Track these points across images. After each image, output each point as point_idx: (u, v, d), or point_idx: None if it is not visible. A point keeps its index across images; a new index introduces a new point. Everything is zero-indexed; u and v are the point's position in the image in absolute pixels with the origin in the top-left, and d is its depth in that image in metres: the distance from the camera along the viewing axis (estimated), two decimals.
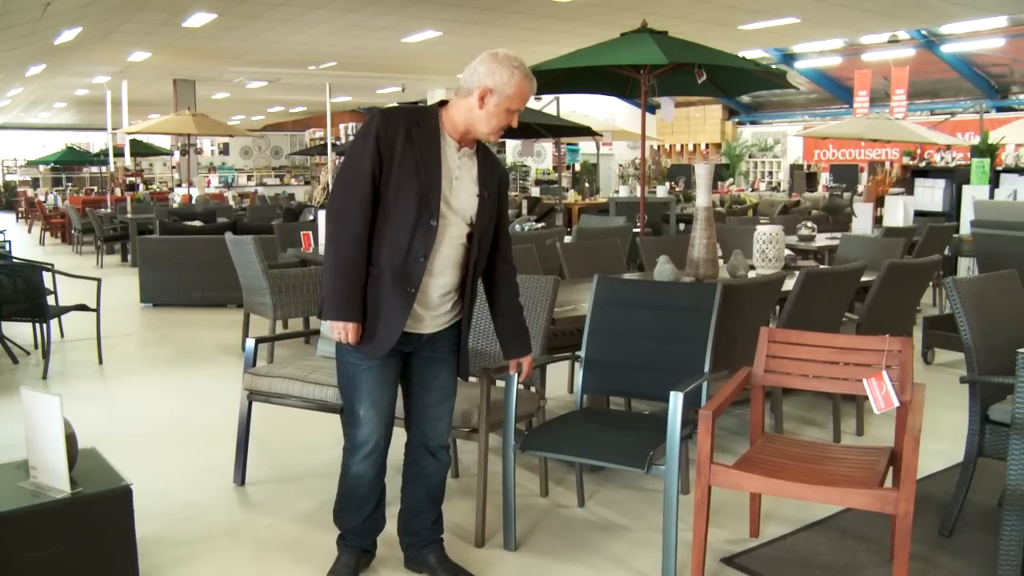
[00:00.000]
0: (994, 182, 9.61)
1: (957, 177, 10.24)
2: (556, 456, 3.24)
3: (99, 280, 6.34)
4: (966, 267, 8.64)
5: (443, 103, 2.78)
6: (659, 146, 23.69)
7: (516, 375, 3.11)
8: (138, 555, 2.81)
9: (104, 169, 21.93)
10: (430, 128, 2.70)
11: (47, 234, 17.98)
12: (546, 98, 14.23)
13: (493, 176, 2.84)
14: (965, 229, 8.61)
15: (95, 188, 23.13)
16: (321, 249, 6.78)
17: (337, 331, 2.68)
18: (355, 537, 2.98)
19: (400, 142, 2.64)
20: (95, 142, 29.20)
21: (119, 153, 19.62)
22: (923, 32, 16.50)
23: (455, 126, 2.73)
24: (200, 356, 6.65)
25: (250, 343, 3.89)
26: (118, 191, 17.80)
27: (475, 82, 2.67)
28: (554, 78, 6.93)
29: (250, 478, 3.96)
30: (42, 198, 20.64)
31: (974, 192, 9.35)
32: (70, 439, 2.70)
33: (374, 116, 2.69)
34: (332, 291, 2.67)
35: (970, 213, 8.62)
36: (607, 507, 3.67)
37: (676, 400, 2.84)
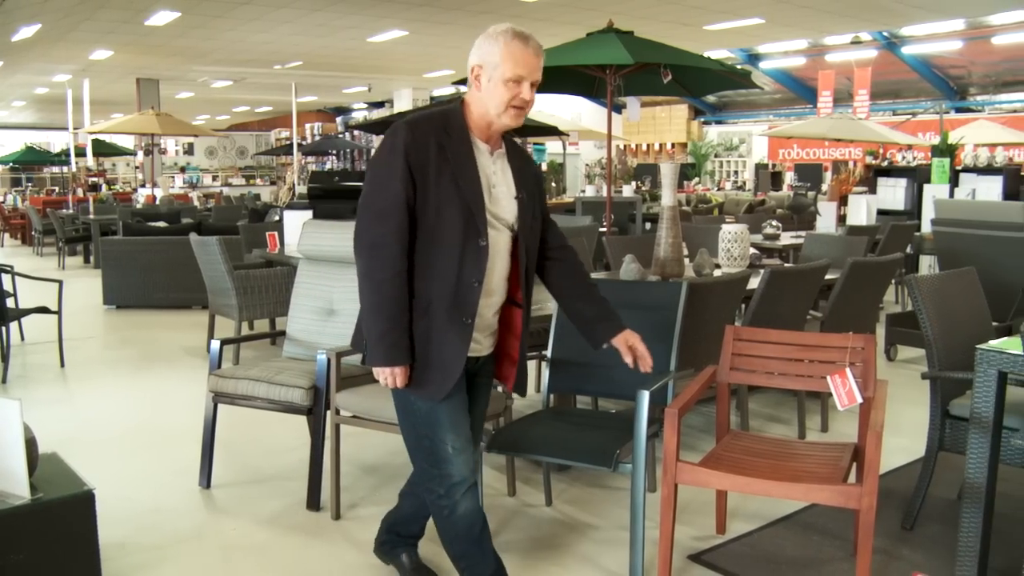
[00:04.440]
0: (954, 181, 9.79)
1: (918, 176, 10.40)
2: (523, 455, 3.25)
3: (61, 282, 6.23)
4: (927, 265, 8.79)
5: (462, 102, 2.50)
6: (625, 146, 23.81)
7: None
8: (101, 561, 2.76)
9: (65, 169, 21.58)
10: (460, 135, 2.41)
11: (7, 235, 17.66)
12: None
13: (528, 173, 2.59)
14: (926, 227, 8.75)
15: (56, 188, 22.72)
16: (287, 250, 6.74)
17: (384, 376, 2.41)
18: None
19: (433, 157, 2.35)
20: (56, 142, 28.67)
21: (81, 153, 19.32)
22: (884, 34, 16.76)
23: (478, 124, 2.44)
24: (164, 358, 6.57)
25: (215, 345, 3.85)
26: (80, 191, 17.53)
27: (469, 67, 2.42)
28: None
29: (216, 481, 3.91)
30: (1, 199, 20.26)
31: (935, 191, 9.50)
32: (30, 444, 2.65)
33: (398, 130, 2.37)
34: (376, 335, 2.37)
35: (931, 212, 8.75)
36: (574, 506, 3.68)
37: (642, 399, 2.85)
